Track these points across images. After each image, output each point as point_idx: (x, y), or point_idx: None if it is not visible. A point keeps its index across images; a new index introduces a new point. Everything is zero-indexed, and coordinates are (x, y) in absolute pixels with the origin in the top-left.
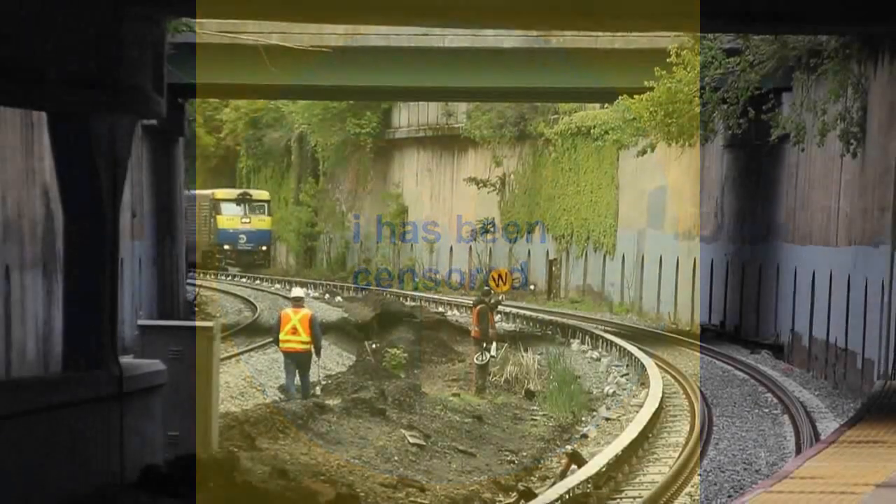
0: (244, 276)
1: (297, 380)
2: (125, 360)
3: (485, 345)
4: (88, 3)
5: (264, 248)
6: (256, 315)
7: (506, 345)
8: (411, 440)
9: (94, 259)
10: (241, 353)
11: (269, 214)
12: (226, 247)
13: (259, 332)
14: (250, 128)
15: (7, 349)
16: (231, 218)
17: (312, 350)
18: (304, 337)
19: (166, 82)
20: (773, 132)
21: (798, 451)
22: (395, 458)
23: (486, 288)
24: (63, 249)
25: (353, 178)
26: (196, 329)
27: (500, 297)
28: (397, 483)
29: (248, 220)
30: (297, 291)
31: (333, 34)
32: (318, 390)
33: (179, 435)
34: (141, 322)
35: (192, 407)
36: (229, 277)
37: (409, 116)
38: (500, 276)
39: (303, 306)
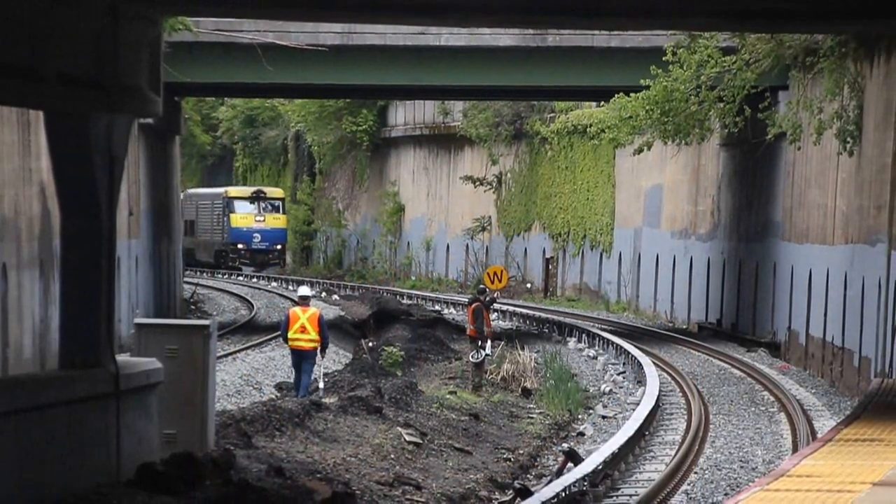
0: (241, 275)
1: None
2: (122, 358)
3: (480, 343)
4: (85, 3)
5: (279, 246)
6: (253, 313)
7: (502, 343)
8: (408, 438)
9: (91, 257)
10: (238, 351)
11: (284, 213)
12: (239, 246)
13: (256, 330)
14: (246, 126)
15: (4, 347)
16: (245, 216)
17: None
18: (313, 335)
19: (163, 81)
20: (769, 130)
21: (795, 449)
22: (392, 455)
23: (481, 286)
24: (60, 247)
25: (350, 176)
26: (192, 327)
27: (495, 295)
28: (394, 481)
29: (262, 219)
30: (305, 290)
31: (330, 33)
32: (321, 384)
33: (176, 433)
34: (137, 320)
35: (189, 405)
36: (230, 277)
37: (405, 115)
38: (495, 273)
39: (310, 305)
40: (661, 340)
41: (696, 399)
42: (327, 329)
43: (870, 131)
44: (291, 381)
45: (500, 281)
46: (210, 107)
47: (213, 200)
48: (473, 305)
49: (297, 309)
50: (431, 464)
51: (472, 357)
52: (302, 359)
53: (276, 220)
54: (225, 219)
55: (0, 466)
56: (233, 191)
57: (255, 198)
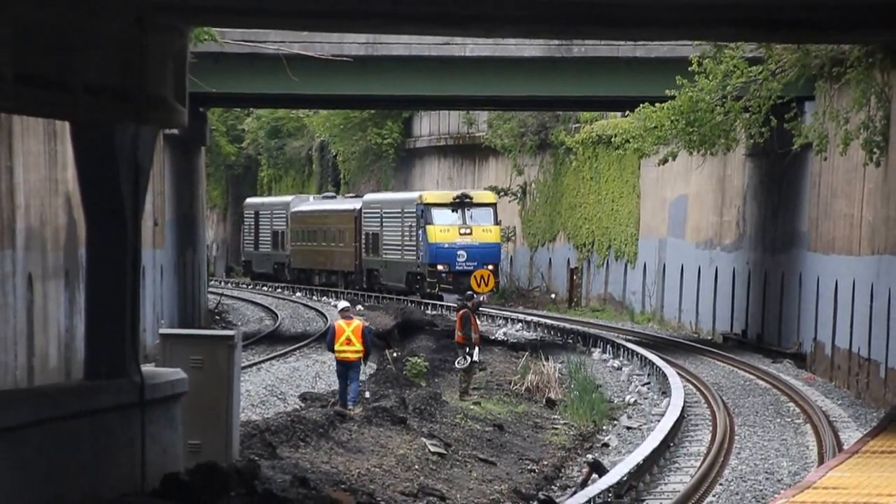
0: (265, 285)
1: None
2: (147, 368)
3: (467, 349)
4: (112, 14)
5: (491, 267)
6: (277, 324)
7: (526, 353)
8: (432, 449)
9: (116, 267)
10: (262, 361)
11: (497, 223)
12: (439, 267)
13: (280, 340)
14: (271, 137)
15: (30, 356)
16: (446, 229)
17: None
18: (357, 346)
19: (188, 91)
20: (795, 141)
21: (821, 460)
22: (416, 466)
23: (468, 293)
24: (85, 258)
25: (375, 186)
26: (217, 338)
27: (481, 299)
28: (418, 492)
29: (468, 231)
30: (343, 304)
31: (355, 43)
32: (367, 394)
33: (200, 443)
34: (162, 331)
35: (213, 415)
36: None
37: (430, 125)
38: (482, 276)
39: (352, 317)
40: (686, 351)
41: (721, 410)
42: (370, 340)
43: None
44: (315, 391)
45: (486, 285)
46: (235, 117)
47: (403, 208)
48: (461, 312)
49: (342, 322)
50: (456, 475)
51: (457, 363)
52: (348, 369)
53: (487, 234)
54: (420, 232)
55: (25, 476)
56: (430, 195)
57: (460, 204)
